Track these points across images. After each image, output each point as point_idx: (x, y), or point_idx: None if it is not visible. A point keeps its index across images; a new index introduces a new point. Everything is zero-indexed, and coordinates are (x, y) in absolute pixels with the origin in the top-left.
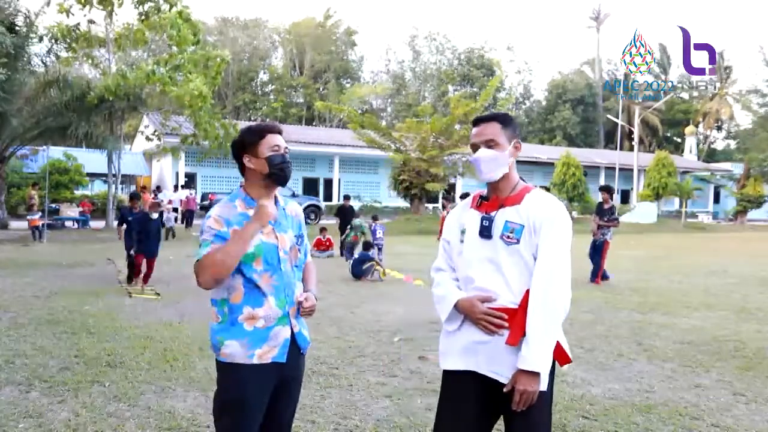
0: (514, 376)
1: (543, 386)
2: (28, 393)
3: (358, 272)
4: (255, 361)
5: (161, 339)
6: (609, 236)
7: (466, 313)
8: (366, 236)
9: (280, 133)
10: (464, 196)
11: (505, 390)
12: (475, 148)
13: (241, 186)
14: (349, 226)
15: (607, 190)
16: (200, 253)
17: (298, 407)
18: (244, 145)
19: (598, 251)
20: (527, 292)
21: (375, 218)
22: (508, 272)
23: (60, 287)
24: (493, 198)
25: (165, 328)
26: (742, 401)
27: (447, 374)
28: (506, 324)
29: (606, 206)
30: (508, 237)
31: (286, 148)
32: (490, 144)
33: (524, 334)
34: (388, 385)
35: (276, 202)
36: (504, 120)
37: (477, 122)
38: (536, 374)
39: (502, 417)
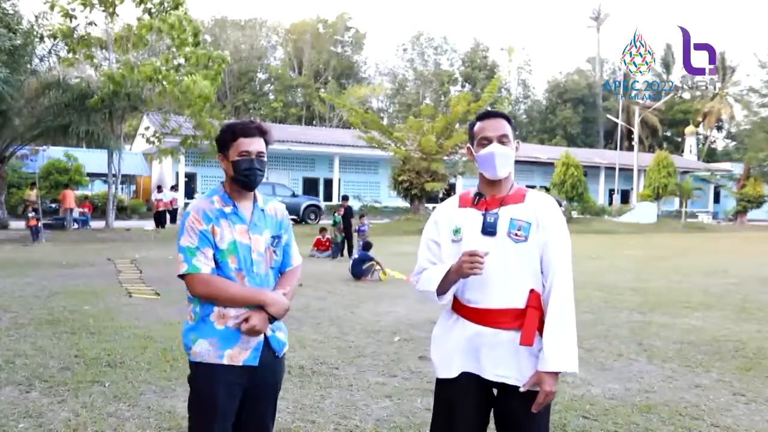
0: (536, 377)
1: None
2: (28, 393)
3: (358, 272)
4: (225, 361)
5: (161, 339)
6: None
7: (457, 273)
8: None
9: (260, 135)
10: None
11: (522, 389)
12: (486, 142)
13: (222, 183)
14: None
15: None
16: (192, 263)
17: (298, 407)
18: (220, 144)
19: None
20: (532, 291)
21: (361, 216)
22: (515, 270)
23: (60, 287)
24: (491, 196)
25: (165, 328)
26: (742, 401)
27: (445, 383)
28: (481, 261)
29: None
30: (516, 235)
31: (260, 153)
32: (503, 140)
33: (536, 334)
34: (388, 385)
35: (254, 201)
36: (509, 119)
37: (487, 116)
38: (557, 374)
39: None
